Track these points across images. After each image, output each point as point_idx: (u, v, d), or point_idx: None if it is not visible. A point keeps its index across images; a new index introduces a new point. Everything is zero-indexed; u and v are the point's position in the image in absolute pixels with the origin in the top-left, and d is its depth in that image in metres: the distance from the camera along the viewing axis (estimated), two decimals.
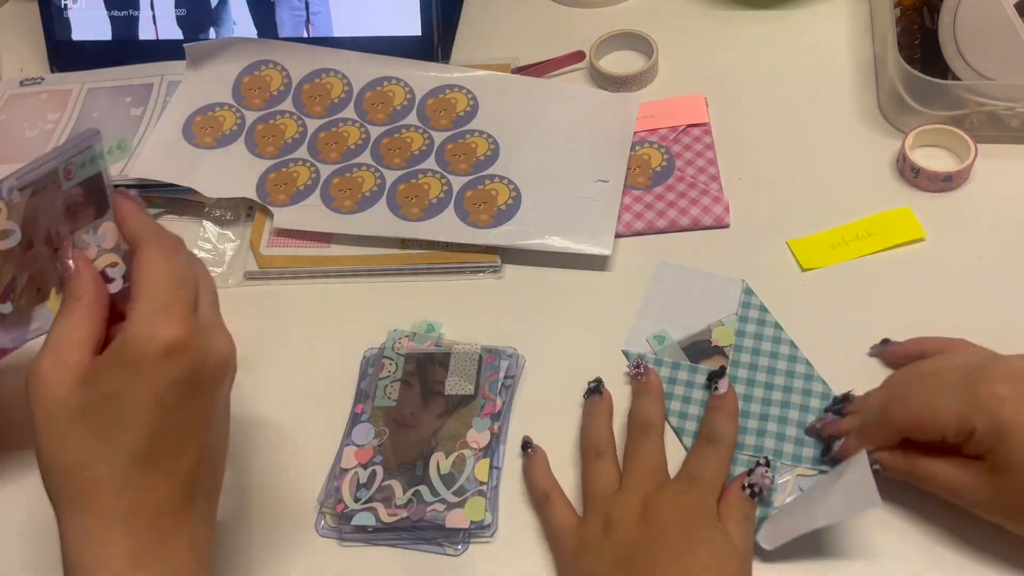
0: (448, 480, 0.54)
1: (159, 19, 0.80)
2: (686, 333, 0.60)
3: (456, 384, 0.58)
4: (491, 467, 0.55)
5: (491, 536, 0.53)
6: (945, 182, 0.64)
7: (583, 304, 0.63)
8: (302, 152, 0.71)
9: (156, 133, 0.72)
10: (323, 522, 0.54)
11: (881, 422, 0.49)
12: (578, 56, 0.77)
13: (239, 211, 0.71)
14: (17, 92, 0.81)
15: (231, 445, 0.58)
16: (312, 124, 0.73)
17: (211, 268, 0.67)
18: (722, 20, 0.80)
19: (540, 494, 0.53)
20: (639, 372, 0.57)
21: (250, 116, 0.74)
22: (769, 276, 0.62)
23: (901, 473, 0.49)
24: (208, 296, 0.45)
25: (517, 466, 0.56)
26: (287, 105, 0.74)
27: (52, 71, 0.83)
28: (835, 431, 0.52)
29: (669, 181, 0.68)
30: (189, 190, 0.69)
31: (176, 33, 0.79)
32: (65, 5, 0.80)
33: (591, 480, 0.52)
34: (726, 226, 0.65)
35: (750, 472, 0.50)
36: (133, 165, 0.70)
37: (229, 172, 0.70)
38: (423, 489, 0.54)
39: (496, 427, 0.56)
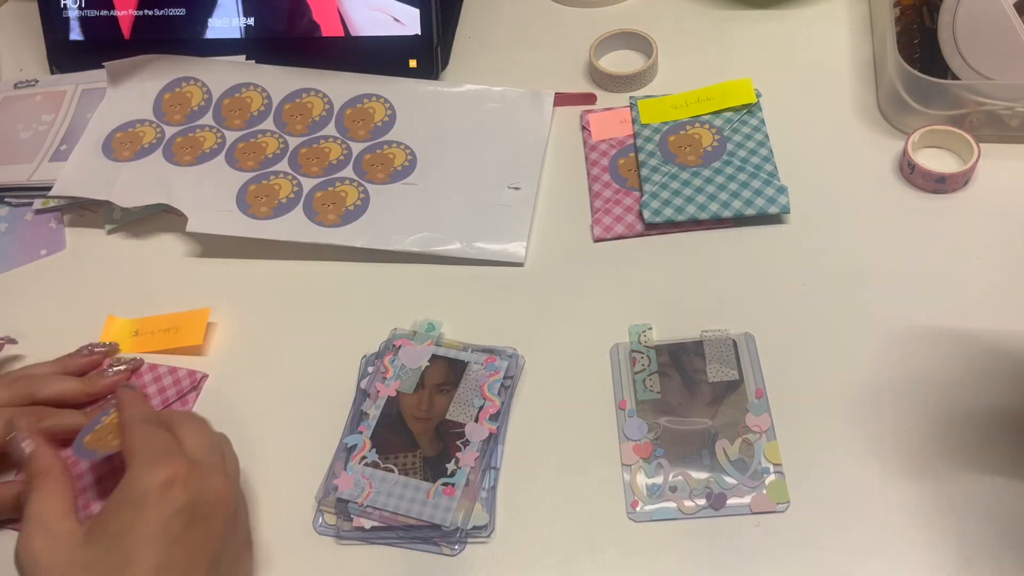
0: (740, 466, 0.53)
1: (159, 18, 0.79)
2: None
3: (718, 371, 0.57)
4: (489, 467, 0.55)
5: (488, 536, 0.53)
6: (938, 183, 0.64)
7: (582, 305, 0.63)
8: (218, 161, 0.71)
9: (77, 152, 0.73)
10: (321, 520, 0.54)
11: None
12: (589, 98, 0.76)
13: None
14: (11, 94, 0.81)
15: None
16: (231, 136, 0.73)
17: None
18: (721, 20, 0.80)
19: None
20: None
21: (169, 130, 0.74)
22: (769, 273, 0.62)
23: None
24: (204, 442, 0.49)
25: (515, 467, 0.56)
26: (207, 120, 0.74)
27: (52, 71, 0.83)
28: None
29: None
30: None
31: (177, 32, 0.79)
32: (64, 5, 0.80)
33: None
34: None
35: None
36: (57, 186, 0.71)
37: (144, 181, 0.70)
38: (717, 477, 0.53)
39: (495, 427, 0.56)
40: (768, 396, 0.56)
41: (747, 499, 0.52)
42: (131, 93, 0.76)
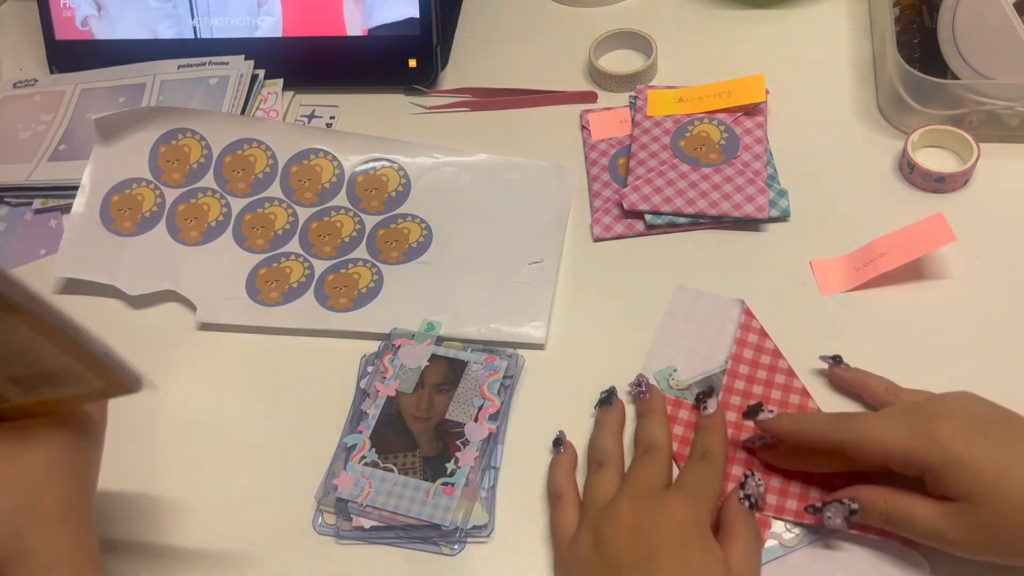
0: None
1: (159, 18, 0.79)
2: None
3: None
4: (488, 467, 0.55)
5: (488, 536, 0.53)
6: (938, 182, 0.64)
7: (582, 304, 0.63)
8: (226, 238, 0.68)
9: (73, 219, 0.69)
10: (320, 520, 0.54)
11: (829, 430, 0.49)
12: (590, 97, 0.75)
13: None
14: (10, 94, 0.81)
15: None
16: (237, 204, 0.70)
17: None
18: (721, 19, 0.80)
19: (553, 493, 0.53)
20: (641, 391, 0.56)
21: (170, 194, 0.70)
22: (769, 273, 0.62)
23: (878, 513, 0.47)
24: None
25: (515, 467, 0.56)
26: (208, 181, 0.70)
27: (51, 71, 0.83)
28: (768, 428, 0.51)
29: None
30: None
31: (176, 32, 0.79)
32: (64, 4, 0.80)
33: (589, 489, 0.52)
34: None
35: (743, 484, 0.50)
36: (58, 264, 0.67)
37: (149, 262, 0.67)
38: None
39: (494, 427, 0.56)
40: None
41: None
42: (124, 147, 0.71)
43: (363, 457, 0.55)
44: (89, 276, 0.67)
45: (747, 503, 0.49)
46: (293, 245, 0.68)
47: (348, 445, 0.56)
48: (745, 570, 0.46)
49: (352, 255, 0.67)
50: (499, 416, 0.57)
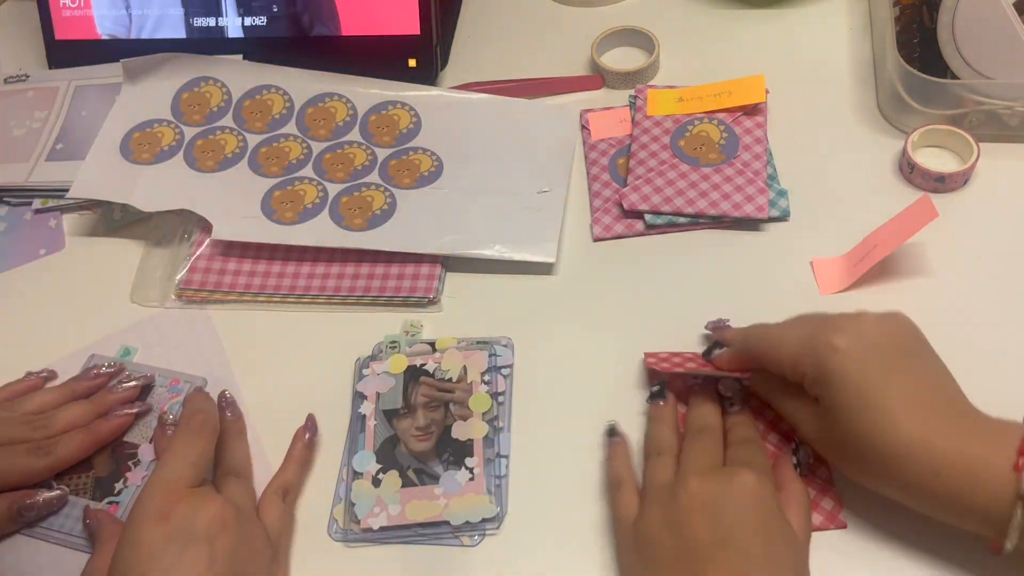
0: None
1: (158, 17, 0.79)
2: None
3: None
4: (497, 456, 0.55)
5: (497, 528, 0.53)
6: (938, 182, 0.64)
7: (582, 303, 0.63)
8: (242, 167, 0.70)
9: (94, 152, 0.71)
10: (336, 526, 0.54)
11: (744, 348, 0.53)
12: (595, 81, 0.76)
13: None
14: (2, 89, 0.80)
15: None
16: (253, 139, 0.72)
17: None
18: (722, 19, 0.80)
19: (614, 480, 0.53)
20: (696, 381, 0.56)
21: (189, 132, 0.73)
22: (769, 273, 0.62)
23: (761, 394, 0.54)
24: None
25: (523, 456, 0.56)
26: (227, 121, 0.73)
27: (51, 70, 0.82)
28: (720, 337, 0.55)
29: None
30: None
31: (175, 32, 0.79)
32: (63, 4, 0.80)
33: (650, 473, 0.51)
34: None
35: (795, 451, 0.52)
36: (75, 187, 0.69)
37: (166, 186, 0.69)
38: None
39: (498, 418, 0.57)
40: None
41: None
42: (148, 92, 0.75)
43: None
44: (104, 196, 0.69)
45: (799, 470, 0.51)
46: (307, 171, 0.70)
47: None
48: (805, 537, 0.47)
49: (365, 180, 0.69)
50: (503, 404, 0.57)
